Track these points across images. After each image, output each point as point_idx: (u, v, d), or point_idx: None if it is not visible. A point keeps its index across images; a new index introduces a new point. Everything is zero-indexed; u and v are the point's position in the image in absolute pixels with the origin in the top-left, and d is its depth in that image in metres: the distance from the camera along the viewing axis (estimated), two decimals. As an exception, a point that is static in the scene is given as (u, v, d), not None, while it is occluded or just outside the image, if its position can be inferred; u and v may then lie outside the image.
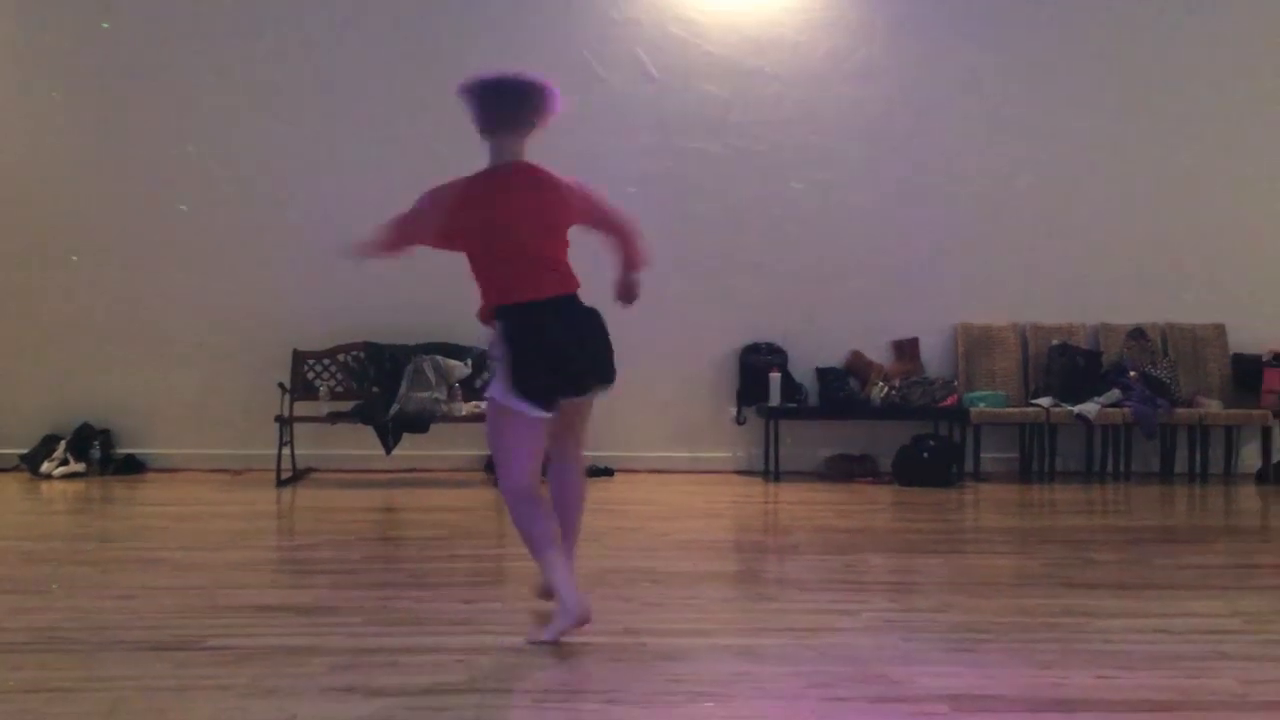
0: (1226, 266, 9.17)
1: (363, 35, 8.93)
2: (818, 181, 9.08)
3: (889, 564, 5.80)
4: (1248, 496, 8.18)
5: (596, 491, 7.99)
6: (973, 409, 8.67)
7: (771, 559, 6.11)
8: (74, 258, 8.90)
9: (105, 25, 8.91)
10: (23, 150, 8.95)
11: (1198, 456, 9.01)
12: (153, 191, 8.91)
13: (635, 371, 8.94)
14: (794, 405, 8.78)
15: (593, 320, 4.17)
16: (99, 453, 8.68)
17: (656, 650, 3.91)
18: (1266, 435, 8.85)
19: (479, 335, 8.65)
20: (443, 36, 8.90)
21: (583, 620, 3.94)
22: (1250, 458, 9.07)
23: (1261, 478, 8.80)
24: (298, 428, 8.50)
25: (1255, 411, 8.78)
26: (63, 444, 8.63)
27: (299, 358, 8.75)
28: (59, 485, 8.23)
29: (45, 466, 8.50)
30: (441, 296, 8.74)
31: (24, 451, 8.71)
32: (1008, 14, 9.12)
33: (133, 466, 8.78)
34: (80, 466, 8.58)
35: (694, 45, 9.08)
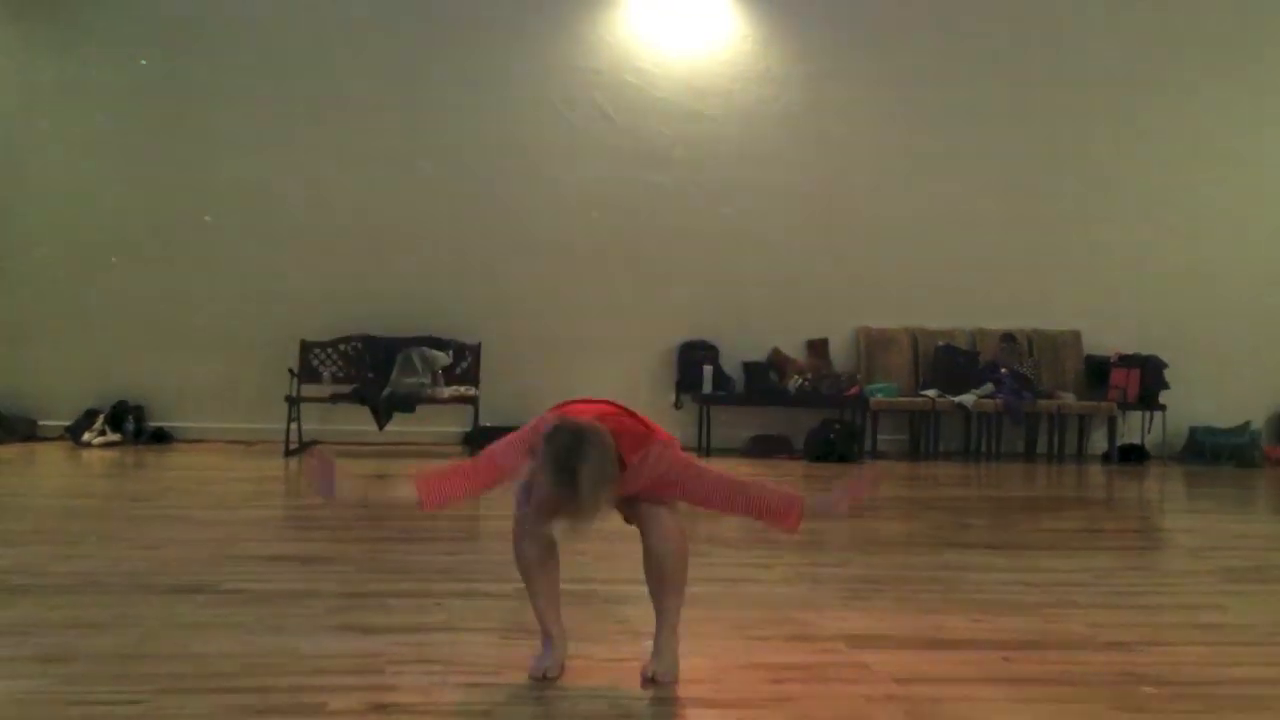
0: (1083, 282, 9.29)
1: (361, 75, 8.84)
2: (745, 208, 9.09)
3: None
4: (1096, 474, 8.30)
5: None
6: (872, 398, 8.72)
7: (703, 521, 6.08)
8: (114, 259, 8.77)
9: (143, 61, 8.80)
10: (70, 167, 8.82)
11: (1056, 440, 9.12)
12: (181, 204, 8.80)
13: (590, 362, 8.98)
14: (723, 393, 8.79)
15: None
16: (133, 425, 8.56)
17: (606, 596, 3.91)
18: (1112, 423, 8.97)
19: (459, 330, 8.74)
20: (431, 77, 8.86)
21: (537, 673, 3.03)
22: (1098, 442, 9.19)
23: (1107, 459, 8.92)
24: (304, 406, 8.40)
25: (1103, 404, 8.90)
26: (101, 417, 8.50)
27: (306, 347, 8.65)
28: (98, 453, 8.10)
29: (86, 436, 8.38)
30: (428, 297, 8.78)
31: (68, 424, 8.58)
32: (902, 67, 9.18)
33: (161, 438, 8.66)
34: (116, 437, 8.46)
35: (645, 91, 9.07)
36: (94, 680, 2.93)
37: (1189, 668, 3.24)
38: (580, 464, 2.67)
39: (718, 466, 3.10)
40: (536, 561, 3.02)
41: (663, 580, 2.98)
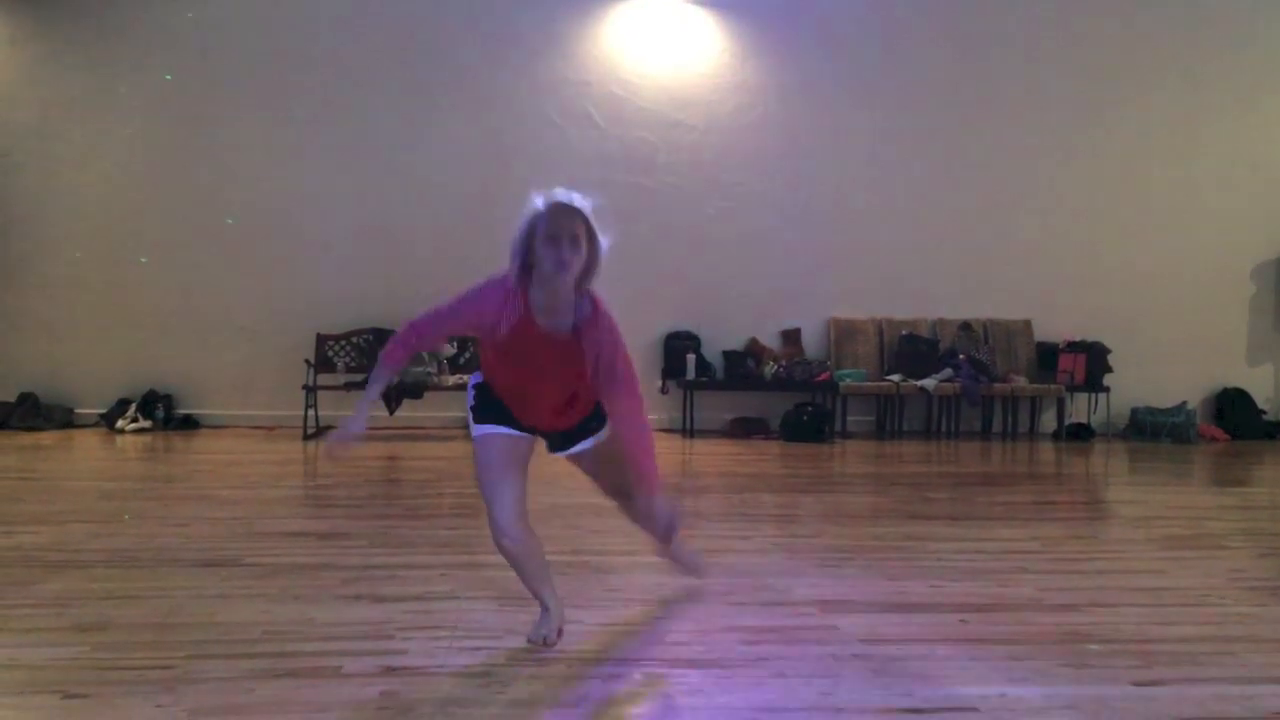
0: (1033, 276, 9.32)
1: (370, 92, 8.82)
2: (725, 208, 9.10)
3: (776, 501, 5.83)
4: (1046, 451, 8.32)
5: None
6: (841, 383, 8.74)
7: (688, 496, 6.11)
8: (143, 260, 8.74)
9: (168, 77, 8.75)
10: (100, 176, 8.78)
11: (1010, 420, 9.16)
12: (205, 209, 8.77)
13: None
14: (705, 379, 8.80)
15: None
16: (162, 413, 8.54)
17: (597, 566, 3.91)
18: (1060, 404, 9.01)
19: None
20: (433, 91, 8.83)
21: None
22: (1048, 422, 9.24)
23: (1056, 437, 8.96)
24: (319, 394, 8.39)
25: (1052, 386, 8.94)
26: (133, 405, 8.48)
27: (321, 339, 8.64)
28: (130, 438, 8.07)
29: (119, 423, 8.36)
30: (434, 293, 8.72)
31: (103, 411, 8.57)
32: (866, 79, 9.19)
33: (189, 424, 8.64)
34: (147, 424, 8.44)
35: (631, 102, 9.05)
36: (128, 647, 2.93)
37: (1129, 627, 3.26)
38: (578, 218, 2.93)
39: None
40: (519, 552, 2.98)
41: (656, 520, 3.05)
